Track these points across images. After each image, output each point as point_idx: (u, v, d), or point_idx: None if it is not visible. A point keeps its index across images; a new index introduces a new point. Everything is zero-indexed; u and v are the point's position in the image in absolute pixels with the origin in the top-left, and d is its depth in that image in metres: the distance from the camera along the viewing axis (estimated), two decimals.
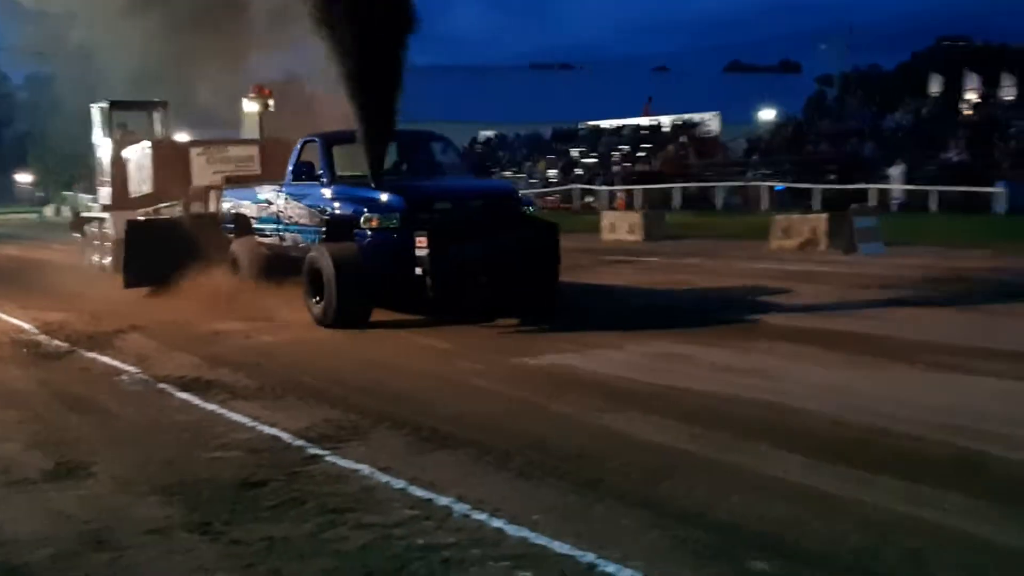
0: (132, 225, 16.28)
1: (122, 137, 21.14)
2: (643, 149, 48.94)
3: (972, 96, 41.05)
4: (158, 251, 15.14)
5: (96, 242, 21.64)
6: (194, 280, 14.47)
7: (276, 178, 15.09)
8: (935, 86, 44.02)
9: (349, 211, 12.59)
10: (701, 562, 4.90)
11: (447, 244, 11.70)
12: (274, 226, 14.35)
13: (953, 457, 6.41)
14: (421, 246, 11.65)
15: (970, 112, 40.30)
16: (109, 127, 21.33)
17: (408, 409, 8.02)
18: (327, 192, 13.16)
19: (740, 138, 49.58)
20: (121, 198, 20.33)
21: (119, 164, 20.74)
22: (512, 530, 5.32)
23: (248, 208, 15.21)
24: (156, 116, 21.88)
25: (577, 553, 5.01)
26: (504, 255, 11.98)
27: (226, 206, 15.98)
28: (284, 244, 14.18)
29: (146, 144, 20.07)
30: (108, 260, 20.01)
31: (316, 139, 13.87)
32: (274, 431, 7.51)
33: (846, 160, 38.59)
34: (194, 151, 19.43)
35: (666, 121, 53.77)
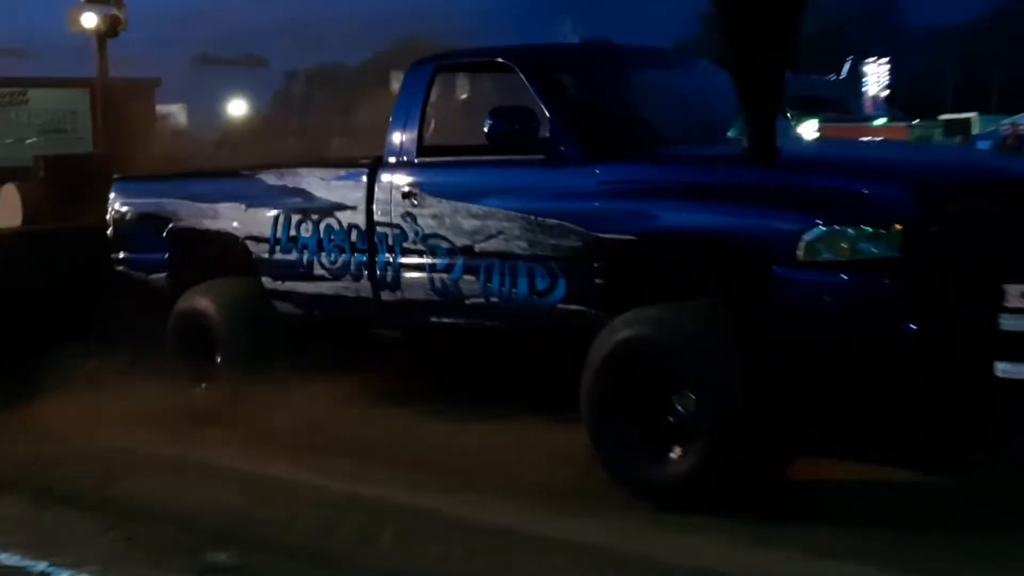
0: None
1: None
2: None
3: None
4: None
5: None
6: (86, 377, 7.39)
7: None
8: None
9: (723, 223, 5.38)
10: (159, 559, 4.92)
11: None
12: (348, 260, 6.85)
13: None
14: None
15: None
16: None
17: None
18: (585, 177, 5.92)
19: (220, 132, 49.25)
20: None
21: None
22: None
23: (237, 218, 7.44)
24: None
25: (28, 563, 4.86)
26: None
27: (132, 213, 8.16)
28: (393, 297, 6.70)
29: None
30: None
31: (510, 62, 6.47)
32: None
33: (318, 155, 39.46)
34: None
35: None
